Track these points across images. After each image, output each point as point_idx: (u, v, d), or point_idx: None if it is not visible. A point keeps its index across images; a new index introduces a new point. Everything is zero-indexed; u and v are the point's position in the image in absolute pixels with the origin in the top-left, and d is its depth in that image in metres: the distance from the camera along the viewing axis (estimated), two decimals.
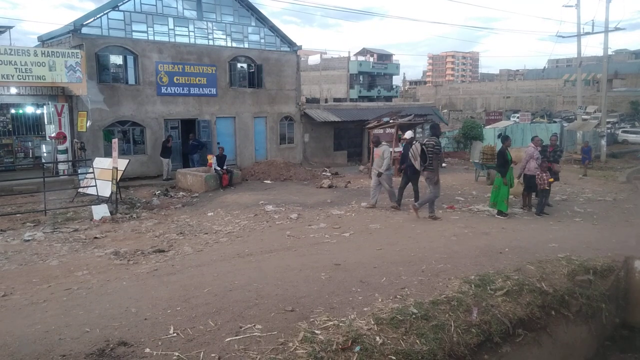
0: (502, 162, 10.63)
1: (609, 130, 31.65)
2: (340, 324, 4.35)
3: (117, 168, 12.40)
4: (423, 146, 10.25)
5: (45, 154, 18.59)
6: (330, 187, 16.01)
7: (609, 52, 30.03)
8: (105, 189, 12.58)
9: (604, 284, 6.53)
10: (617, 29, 26.13)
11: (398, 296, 5.14)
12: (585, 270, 6.51)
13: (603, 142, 26.10)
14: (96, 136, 17.27)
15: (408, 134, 12.41)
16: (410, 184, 11.48)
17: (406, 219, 10.42)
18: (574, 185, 15.89)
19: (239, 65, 21.50)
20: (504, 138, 11.00)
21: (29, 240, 9.31)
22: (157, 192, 15.46)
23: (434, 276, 5.85)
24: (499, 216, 10.49)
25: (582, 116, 30.44)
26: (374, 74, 55.89)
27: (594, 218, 10.71)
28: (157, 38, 18.97)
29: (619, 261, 7.04)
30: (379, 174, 11.61)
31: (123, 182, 14.15)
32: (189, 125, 19.83)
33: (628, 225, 9.99)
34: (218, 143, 19.68)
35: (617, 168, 21.29)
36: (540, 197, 11.07)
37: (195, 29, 20.09)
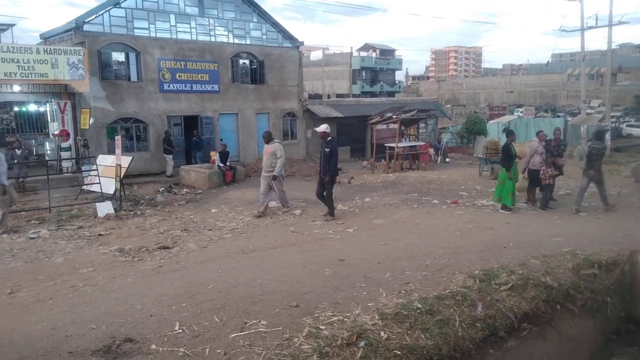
0: (506, 156, 10.60)
1: (613, 124, 31.53)
2: (345, 320, 4.35)
3: (120, 165, 12.42)
4: (589, 148, 10.36)
5: (48, 152, 18.65)
6: None
7: (613, 46, 29.91)
8: (109, 186, 12.60)
9: (609, 277, 6.51)
10: (621, 22, 25.96)
11: (402, 291, 5.14)
12: (590, 264, 6.49)
13: (607, 136, 25.96)
14: (99, 133, 17.31)
15: (321, 128, 9.99)
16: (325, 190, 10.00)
17: (410, 214, 10.40)
18: (578, 180, 15.81)
19: (241, 61, 21.48)
20: (509, 133, 10.96)
21: (34, 238, 9.34)
22: (160, 189, 15.50)
23: (438, 271, 5.85)
24: (503, 211, 10.47)
25: (586, 110, 30.29)
26: (376, 69, 55.75)
27: (599, 212, 10.67)
28: (159, 35, 18.96)
29: (624, 255, 7.01)
30: (274, 177, 10.38)
31: (127, 179, 14.17)
32: (191, 122, 19.84)
33: (633, 219, 9.94)
34: (221, 139, 19.70)
35: (622, 162, 21.19)
36: (544, 191, 11.03)
37: (197, 26, 20.08)
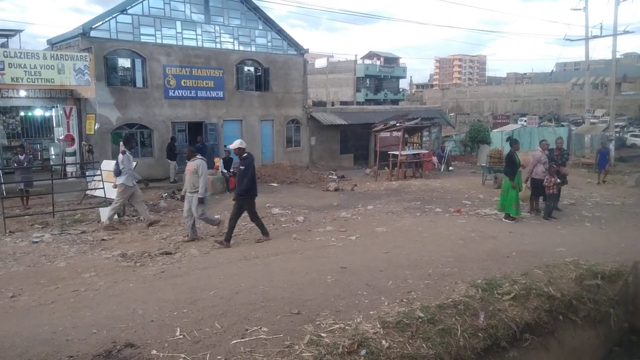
0: (510, 165, 10.59)
1: (617, 134, 31.46)
2: (346, 327, 4.34)
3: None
4: None
5: (53, 156, 18.74)
6: (336, 190, 16.01)
7: (618, 56, 29.86)
8: (113, 191, 12.62)
9: (612, 288, 6.47)
10: (625, 32, 25.98)
11: (404, 300, 5.12)
12: (594, 274, 6.46)
13: (611, 146, 25.94)
14: (104, 139, 17.39)
15: (235, 144, 9.03)
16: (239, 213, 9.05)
17: (413, 222, 10.38)
18: (581, 190, 15.78)
19: (246, 68, 21.59)
20: (513, 142, 10.95)
21: (37, 242, 9.37)
22: (164, 195, 15.53)
23: (440, 280, 5.83)
24: (506, 220, 10.44)
25: (590, 120, 30.27)
26: (380, 77, 55.87)
27: (602, 222, 10.62)
28: (165, 41, 19.10)
29: (628, 266, 6.98)
30: (200, 200, 9.17)
31: None
32: (196, 128, 19.91)
33: (637, 229, 9.90)
34: (225, 146, 19.74)
35: (626, 172, 21.12)
36: (548, 201, 11.00)
37: (203, 33, 20.22)
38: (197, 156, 9.49)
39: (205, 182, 9.22)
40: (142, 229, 10.74)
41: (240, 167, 8.82)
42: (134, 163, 11.28)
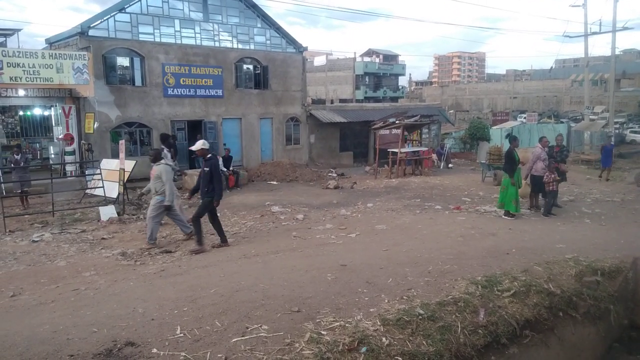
0: (509, 162, 10.59)
1: (616, 131, 31.47)
2: (347, 325, 4.34)
3: (124, 169, 12.45)
4: None
5: (53, 155, 18.73)
6: (336, 188, 16.02)
7: (617, 52, 29.89)
8: (113, 190, 12.65)
9: (612, 285, 6.48)
10: (625, 28, 25.98)
11: (404, 297, 5.12)
12: (593, 271, 6.47)
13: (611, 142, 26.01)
14: (103, 138, 17.38)
15: (198, 145, 8.66)
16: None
17: (413, 220, 10.39)
18: (581, 186, 15.79)
19: (245, 66, 21.57)
20: (512, 138, 10.95)
21: (37, 241, 9.38)
22: None
23: (440, 277, 5.83)
24: (505, 217, 10.45)
25: (590, 116, 30.28)
26: (379, 74, 55.80)
27: (602, 219, 10.63)
28: (164, 40, 19.07)
29: (627, 262, 6.98)
30: (167, 208, 8.92)
31: (130, 183, 14.20)
32: (195, 127, 19.90)
33: (636, 225, 9.91)
34: (224, 144, 19.75)
35: (625, 168, 21.13)
36: (547, 197, 11.01)
37: (201, 31, 20.19)
38: (162, 161, 9.11)
39: (171, 188, 8.82)
40: (142, 228, 10.73)
41: (205, 168, 8.39)
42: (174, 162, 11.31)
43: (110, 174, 13.00)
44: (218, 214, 8.92)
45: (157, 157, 9.16)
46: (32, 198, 13.37)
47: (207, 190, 8.32)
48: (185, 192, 16.00)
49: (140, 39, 18.45)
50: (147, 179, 17.45)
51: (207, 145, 8.74)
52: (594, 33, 26.36)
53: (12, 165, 13.14)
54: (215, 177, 8.30)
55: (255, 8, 21.63)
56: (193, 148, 8.83)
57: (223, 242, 8.65)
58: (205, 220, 8.54)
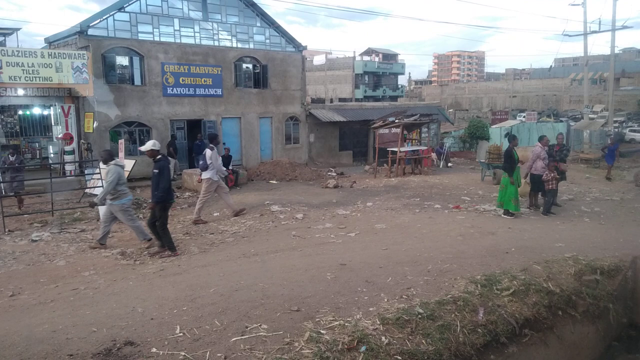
0: (508, 161, 10.59)
1: (616, 129, 31.46)
2: (346, 324, 4.35)
3: (123, 168, 12.42)
4: None
5: (52, 155, 18.72)
6: (335, 187, 16.01)
7: (616, 51, 29.89)
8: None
9: (611, 283, 6.49)
10: (624, 27, 26.00)
11: (404, 296, 5.13)
12: (593, 270, 6.47)
13: (609, 141, 26.03)
14: (103, 137, 17.36)
15: (147, 146, 8.40)
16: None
17: (412, 219, 10.39)
18: (580, 185, 15.80)
19: (244, 65, 21.55)
20: (511, 137, 10.96)
21: (36, 241, 9.37)
22: None
23: (440, 276, 5.84)
24: (505, 216, 10.45)
25: (589, 115, 30.30)
26: (379, 73, 55.81)
27: (601, 218, 10.64)
28: (163, 39, 19.05)
29: (627, 261, 6.99)
30: (92, 205, 8.96)
31: (130, 183, 14.14)
32: (194, 126, 19.89)
33: (636, 224, 9.92)
34: (224, 143, 19.72)
35: (625, 167, 21.13)
36: (547, 196, 11.01)
37: (201, 30, 20.17)
38: (112, 161, 8.71)
39: (108, 188, 8.44)
40: None
41: (154, 170, 8.14)
42: (220, 159, 11.60)
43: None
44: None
45: (108, 158, 8.80)
46: (31, 197, 13.35)
47: (156, 193, 8.05)
48: (184, 192, 16.03)
49: (139, 38, 18.43)
50: (147, 179, 17.57)
51: (157, 146, 8.46)
52: (594, 32, 26.39)
53: (5, 165, 13.00)
54: (162, 179, 7.99)
55: (254, 7, 21.61)
56: (142, 148, 8.53)
57: (171, 250, 8.19)
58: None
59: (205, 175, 11.28)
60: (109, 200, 8.59)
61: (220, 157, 17.06)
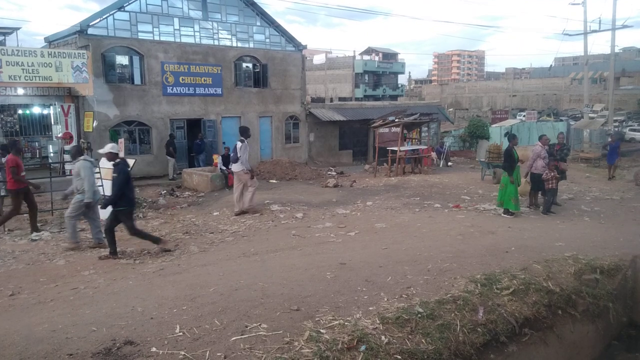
0: (508, 160, 10.59)
1: (616, 129, 31.45)
2: (346, 323, 4.34)
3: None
4: None
5: (52, 154, 18.71)
6: (335, 186, 16.01)
7: (616, 50, 29.87)
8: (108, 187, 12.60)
9: (611, 283, 6.49)
10: (624, 26, 26.00)
11: (404, 295, 5.12)
12: (592, 269, 6.47)
13: (609, 139, 25.98)
14: (102, 136, 17.36)
15: (106, 149, 8.14)
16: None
17: (412, 218, 10.39)
18: (580, 184, 15.80)
19: (244, 65, 21.55)
20: (511, 137, 10.95)
21: (36, 240, 9.37)
22: (163, 192, 15.52)
23: (439, 275, 5.83)
24: (505, 215, 10.45)
25: (589, 114, 30.29)
26: (379, 72, 55.79)
27: (601, 217, 10.64)
28: (163, 38, 19.05)
29: (627, 260, 6.99)
30: (88, 205, 8.61)
31: None
32: (194, 125, 19.89)
33: (635, 224, 9.92)
34: (224, 143, 19.75)
35: (625, 166, 21.12)
36: (547, 195, 11.01)
37: (201, 29, 20.17)
38: (81, 157, 8.57)
39: (91, 184, 8.41)
40: (141, 227, 10.72)
41: (113, 174, 7.96)
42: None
43: (110, 172, 12.91)
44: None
45: (76, 154, 8.59)
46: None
47: (115, 198, 7.81)
48: (184, 191, 16.03)
49: (139, 37, 18.44)
50: (147, 178, 17.61)
51: (115, 149, 8.16)
52: (594, 31, 26.37)
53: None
54: (117, 182, 7.75)
55: (254, 6, 21.61)
56: (101, 151, 8.28)
57: (112, 254, 7.96)
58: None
59: (237, 168, 11.50)
60: (77, 196, 8.56)
61: (220, 156, 17.16)
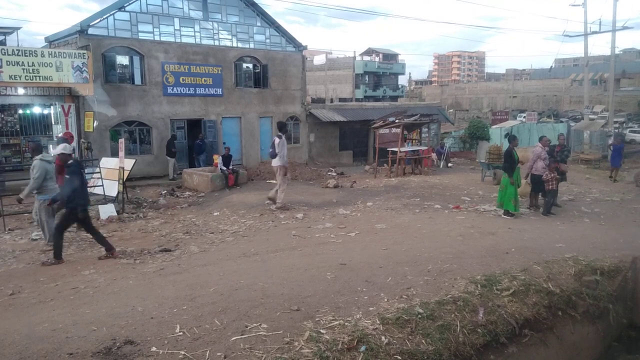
0: (508, 161, 10.59)
1: (616, 130, 31.43)
2: (346, 324, 4.34)
3: (123, 168, 12.45)
4: None
5: (52, 154, 18.67)
6: (335, 187, 16.01)
7: (617, 52, 29.88)
8: (112, 188, 12.64)
9: (611, 284, 6.49)
10: (624, 28, 25.98)
11: (404, 296, 5.13)
12: (593, 270, 6.47)
13: (610, 141, 25.94)
14: (103, 136, 17.37)
15: (57, 150, 8.10)
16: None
17: (412, 219, 10.39)
18: (580, 186, 15.80)
19: (244, 65, 21.56)
20: (511, 138, 10.95)
21: (36, 240, 9.37)
22: (163, 192, 15.53)
23: (440, 276, 5.84)
24: (505, 216, 10.45)
25: (589, 116, 30.28)
26: (379, 73, 55.80)
27: (601, 218, 10.63)
28: (163, 38, 19.05)
29: (627, 261, 6.99)
30: (19, 200, 8.69)
31: (129, 182, 14.20)
32: (194, 125, 19.89)
33: (635, 225, 9.92)
34: (224, 143, 19.74)
35: (625, 168, 21.10)
36: (547, 197, 11.01)
37: (201, 29, 20.17)
38: (39, 155, 8.39)
39: (36, 183, 8.27)
40: (141, 226, 10.73)
41: (66, 176, 7.82)
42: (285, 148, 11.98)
43: (110, 172, 12.99)
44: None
45: (34, 152, 8.31)
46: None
47: (67, 200, 7.61)
48: (185, 191, 16.03)
49: (139, 37, 18.43)
50: (148, 178, 17.60)
51: (67, 150, 8.07)
52: (594, 32, 26.36)
53: None
54: (69, 182, 7.57)
55: (254, 7, 21.61)
56: (53, 152, 8.05)
57: (108, 250, 7.96)
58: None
59: (276, 163, 11.81)
60: (35, 193, 8.50)
61: (220, 156, 17.15)
